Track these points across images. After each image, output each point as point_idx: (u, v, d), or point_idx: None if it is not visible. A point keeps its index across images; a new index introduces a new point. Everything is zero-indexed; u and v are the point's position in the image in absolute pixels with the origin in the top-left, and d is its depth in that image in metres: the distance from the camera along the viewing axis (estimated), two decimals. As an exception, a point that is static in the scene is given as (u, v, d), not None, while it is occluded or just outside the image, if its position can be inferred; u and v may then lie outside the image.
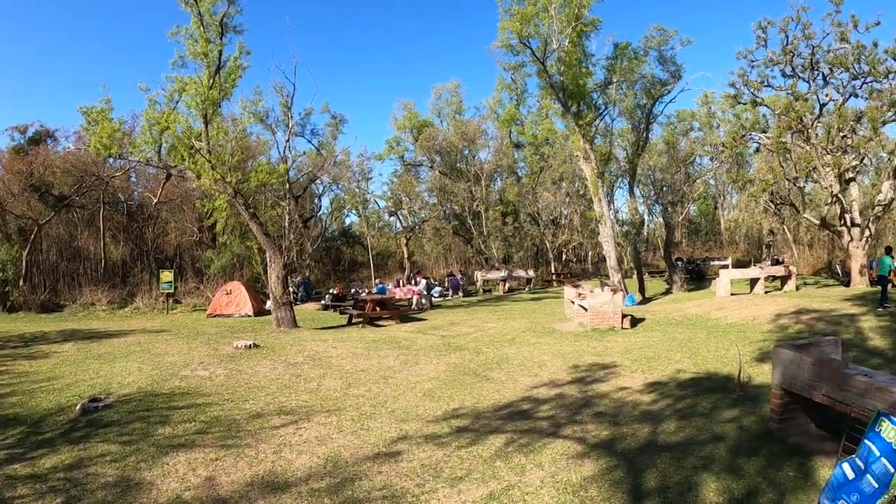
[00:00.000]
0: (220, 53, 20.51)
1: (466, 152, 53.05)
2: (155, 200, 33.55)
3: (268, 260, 21.74)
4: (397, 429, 8.97)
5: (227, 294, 27.11)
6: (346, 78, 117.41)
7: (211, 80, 20.30)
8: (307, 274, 38.62)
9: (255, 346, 16.43)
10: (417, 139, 52.59)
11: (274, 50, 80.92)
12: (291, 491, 6.64)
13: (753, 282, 29.62)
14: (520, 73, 41.84)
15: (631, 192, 40.48)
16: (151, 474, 7.07)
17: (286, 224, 27.52)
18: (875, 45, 27.55)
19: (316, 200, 51.10)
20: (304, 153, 45.67)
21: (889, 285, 20.90)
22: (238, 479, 6.96)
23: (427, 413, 9.91)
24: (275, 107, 39.73)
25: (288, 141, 35.67)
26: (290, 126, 32.17)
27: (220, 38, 20.44)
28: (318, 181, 47.23)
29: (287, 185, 35.04)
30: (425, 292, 31.70)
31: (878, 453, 5.55)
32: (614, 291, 21.17)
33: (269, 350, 16.15)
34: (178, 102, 21.07)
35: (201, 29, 20.02)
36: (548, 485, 6.70)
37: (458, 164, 53.03)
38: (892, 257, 21.18)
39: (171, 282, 29.68)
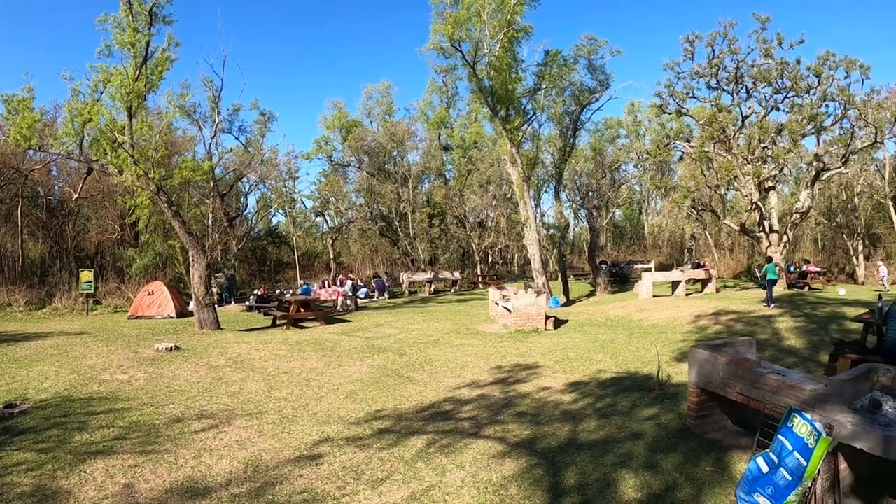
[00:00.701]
0: (148, 44, 19.79)
1: (395, 153, 53.04)
2: (76, 196, 32.38)
3: (191, 260, 21.27)
4: (319, 431, 8.85)
5: (150, 295, 26.39)
6: (276, 75, 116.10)
7: (137, 72, 19.59)
8: (232, 274, 37.91)
9: (177, 348, 16.05)
10: (346, 139, 52.40)
11: (203, 43, 79.30)
12: (211, 497, 6.47)
13: (675, 284, 30.24)
14: (451, 76, 42.07)
15: (557, 196, 41.04)
16: (69, 482, 6.80)
17: (210, 223, 26.94)
18: (798, 61, 28.57)
19: (242, 199, 50.12)
20: (231, 150, 44.57)
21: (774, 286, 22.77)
22: (157, 485, 6.76)
23: (349, 415, 9.80)
24: (202, 101, 39.13)
25: (214, 137, 35.04)
26: (216, 122, 31.62)
27: (149, 28, 19.72)
28: (244, 179, 46.38)
29: (212, 183, 34.47)
30: (351, 294, 31.48)
31: (790, 448, 5.72)
32: (538, 293, 21.36)
33: (191, 352, 15.78)
34: (102, 94, 20.23)
35: (130, 17, 19.27)
36: (468, 485, 6.69)
37: (386, 165, 53.00)
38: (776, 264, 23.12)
39: (91, 282, 28.68)
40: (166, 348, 15.76)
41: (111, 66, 20.15)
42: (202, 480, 6.93)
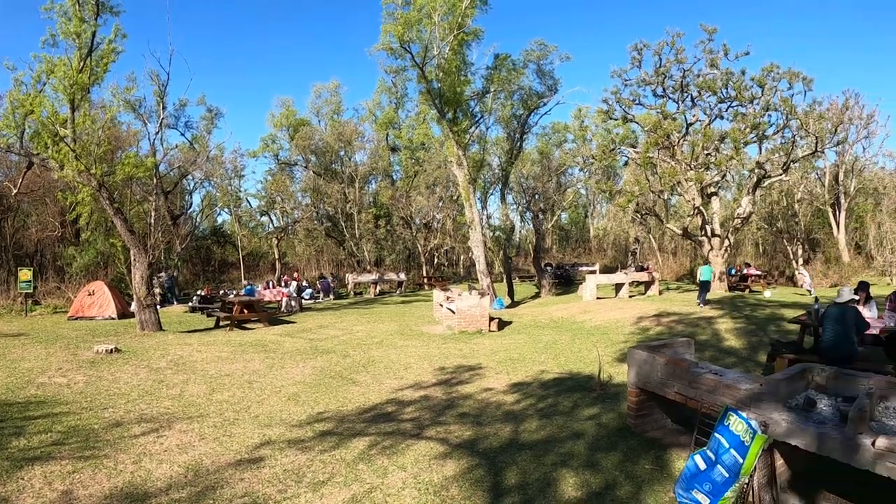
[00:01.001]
0: (94, 35, 19.23)
1: (342, 153, 52.65)
2: (15, 191, 31.66)
3: (132, 259, 20.84)
4: (260, 434, 8.73)
5: (90, 295, 25.74)
6: (224, 71, 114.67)
7: (82, 63, 19.03)
8: (174, 274, 37.30)
9: (117, 350, 15.71)
10: (294, 138, 51.92)
11: (151, 36, 77.64)
12: (151, 502, 6.34)
13: (618, 286, 30.63)
14: (401, 76, 42.03)
15: (503, 198, 41.34)
16: (5, 490, 6.58)
17: (153, 221, 26.43)
18: (743, 72, 29.29)
19: (187, 197, 49.25)
20: (177, 146, 43.61)
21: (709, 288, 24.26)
22: (96, 492, 6.58)
23: (291, 417, 9.69)
24: (148, 96, 38.12)
25: (159, 133, 34.33)
26: (162, 117, 30.99)
27: (96, 18, 19.16)
28: (189, 177, 45.65)
29: (156, 180, 33.81)
30: (295, 294, 31.23)
31: (727, 445, 5.83)
32: (482, 295, 21.42)
33: (132, 355, 15.47)
34: (45, 85, 19.58)
35: (76, 6, 18.68)
36: (409, 486, 6.66)
37: (333, 165, 52.66)
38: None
39: (30, 281, 27.83)
40: (106, 350, 15.42)
41: (55, 56, 19.54)
42: (142, 486, 6.77)
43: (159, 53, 69.54)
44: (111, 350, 15.49)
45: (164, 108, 29.98)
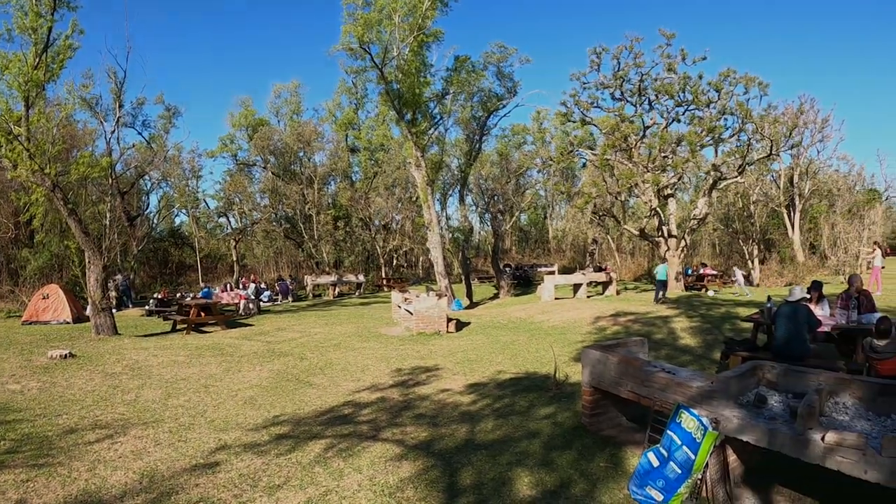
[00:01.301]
0: (50, 30, 18.75)
1: (301, 154, 52.34)
2: (-34, 191, 31.07)
3: (87, 261, 20.51)
4: (216, 439, 8.62)
5: (44, 298, 25.20)
6: (183, 70, 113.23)
7: (37, 59, 18.56)
8: (130, 276, 36.77)
9: (72, 355, 15.45)
10: (252, 138, 51.47)
11: (108, 32, 75.94)
12: (105, 509, 6.26)
13: (577, 287, 30.88)
14: (361, 77, 41.89)
15: (461, 200, 41.31)
16: (-45, 499, 6.50)
17: (108, 222, 25.92)
18: (700, 76, 29.63)
19: (144, 198, 48.62)
20: (133, 146, 42.32)
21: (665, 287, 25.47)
22: (50, 500, 6.45)
23: (247, 421, 9.60)
24: (105, 94, 37.55)
25: (115, 131, 33.71)
26: (118, 115, 30.46)
27: (52, 13, 18.65)
28: (146, 177, 45.04)
29: (112, 180, 33.25)
30: (253, 297, 30.99)
31: (679, 442, 5.91)
32: (440, 296, 21.43)
33: (87, 360, 15.23)
34: None
35: (33, 1, 18.38)
36: (365, 488, 6.64)
37: (292, 166, 52.31)
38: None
39: (-18, 285, 27.43)
40: (61, 356, 15.16)
41: (10, 51, 18.99)
42: (96, 493, 6.65)
43: (116, 51, 68.43)
44: (66, 355, 15.25)
45: (120, 106, 29.52)
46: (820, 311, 12.29)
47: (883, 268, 24.63)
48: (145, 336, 20.64)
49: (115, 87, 30.17)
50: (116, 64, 40.35)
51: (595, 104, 32.56)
